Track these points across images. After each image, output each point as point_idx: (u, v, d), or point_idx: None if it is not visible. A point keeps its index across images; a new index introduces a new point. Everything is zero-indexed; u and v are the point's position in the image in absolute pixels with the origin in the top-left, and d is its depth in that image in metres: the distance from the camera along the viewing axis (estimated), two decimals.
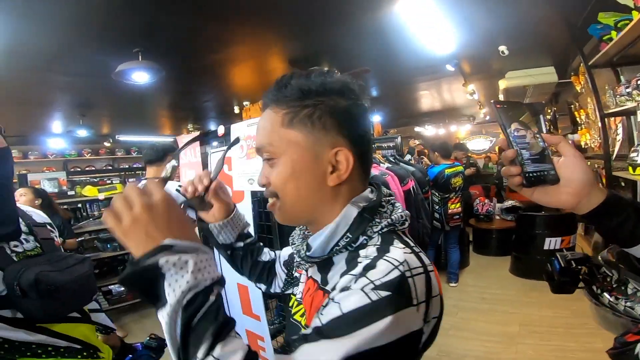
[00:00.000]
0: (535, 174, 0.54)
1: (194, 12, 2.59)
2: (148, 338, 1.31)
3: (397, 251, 0.51)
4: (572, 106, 4.74)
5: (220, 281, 0.47)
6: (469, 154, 7.32)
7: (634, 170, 2.11)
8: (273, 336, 1.87)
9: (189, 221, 0.51)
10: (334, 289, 0.50)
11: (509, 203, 4.89)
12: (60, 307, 0.95)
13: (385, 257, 0.49)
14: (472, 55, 4.08)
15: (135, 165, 7.15)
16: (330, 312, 0.46)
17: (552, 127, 6.67)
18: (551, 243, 3.73)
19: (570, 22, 3.05)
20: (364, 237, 0.55)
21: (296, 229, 0.71)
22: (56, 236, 1.12)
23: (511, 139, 0.55)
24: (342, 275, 0.52)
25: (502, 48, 3.68)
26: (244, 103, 5.75)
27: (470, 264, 4.33)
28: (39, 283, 0.86)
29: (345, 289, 0.47)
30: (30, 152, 6.66)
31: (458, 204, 3.71)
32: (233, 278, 2.00)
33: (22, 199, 2.82)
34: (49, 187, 3.42)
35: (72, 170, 6.23)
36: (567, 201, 0.55)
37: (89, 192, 3.45)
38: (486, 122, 9.51)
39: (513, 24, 3.19)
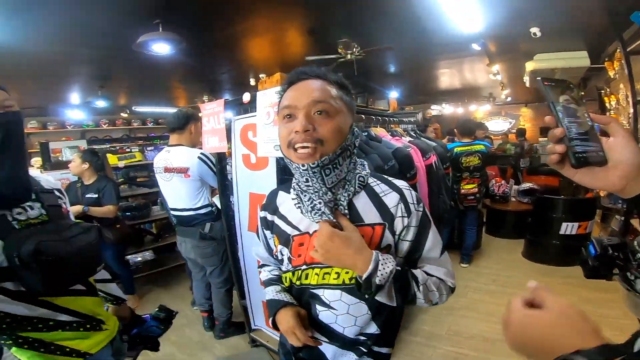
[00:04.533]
0: (584, 155, 0.51)
1: None
2: (157, 309, 1.28)
3: (396, 180, 0.87)
4: (603, 92, 4.56)
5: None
6: (489, 135, 7.11)
7: None
8: None
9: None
10: (386, 219, 0.81)
11: (526, 185, 4.78)
12: (62, 279, 0.90)
13: (400, 186, 0.85)
14: (501, 35, 3.95)
15: (151, 135, 7.30)
16: (410, 233, 0.82)
17: None
18: (567, 228, 3.62)
19: (610, 8, 2.90)
20: (365, 178, 0.84)
21: (286, 200, 0.91)
22: (64, 203, 1.06)
23: (560, 116, 0.53)
24: (379, 209, 0.82)
25: (535, 30, 3.55)
26: (260, 75, 5.72)
27: (482, 245, 4.30)
28: (39, 254, 0.80)
29: (406, 216, 0.81)
30: (49, 122, 6.76)
31: (473, 185, 3.63)
32: (253, 247, 2.05)
33: (71, 165, 2.77)
34: (70, 155, 3.47)
35: (91, 139, 6.35)
36: (614, 184, 0.52)
37: (110, 160, 3.50)
38: (507, 103, 9.23)
39: (547, 6, 3.06)
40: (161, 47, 3.18)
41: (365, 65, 4.79)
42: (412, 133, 2.57)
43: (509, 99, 8.49)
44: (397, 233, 0.81)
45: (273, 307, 0.88)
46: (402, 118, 2.77)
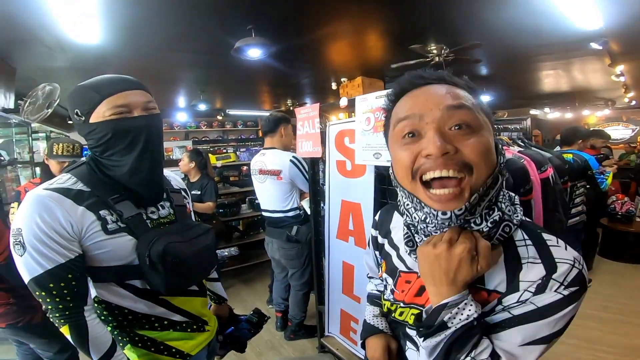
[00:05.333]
0: None
1: None
2: (251, 313, 1.30)
3: (561, 250, 0.56)
4: None
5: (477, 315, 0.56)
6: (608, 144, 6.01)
7: None
8: None
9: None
10: (508, 291, 0.57)
11: None
12: (183, 281, 0.92)
13: (559, 261, 0.54)
14: (629, 32, 3.36)
15: (241, 137, 7.97)
16: (521, 309, 0.55)
17: None
18: None
19: None
20: (512, 228, 0.59)
21: (401, 224, 0.72)
22: (189, 203, 1.10)
23: None
24: (509, 277, 0.57)
25: None
26: (342, 79, 5.75)
27: (593, 268, 3.74)
28: (166, 255, 0.82)
29: (533, 293, 0.54)
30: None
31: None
32: (339, 256, 1.99)
33: (181, 163, 3.07)
34: (179, 154, 3.91)
35: (193, 139, 7.15)
36: None
37: (210, 159, 3.86)
38: (630, 107, 7.77)
39: None
40: (254, 52, 3.37)
41: (453, 67, 4.48)
42: (519, 142, 2.27)
43: (633, 102, 7.15)
44: (506, 304, 0.56)
45: (367, 332, 0.85)
46: (506, 125, 2.47)
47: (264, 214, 2.49)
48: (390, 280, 0.77)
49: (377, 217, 0.88)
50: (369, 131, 1.50)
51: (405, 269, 0.74)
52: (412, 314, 0.70)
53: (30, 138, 3.56)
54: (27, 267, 0.75)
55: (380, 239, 0.84)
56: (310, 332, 2.58)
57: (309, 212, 2.28)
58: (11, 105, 3.29)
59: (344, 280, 2.02)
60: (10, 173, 3.33)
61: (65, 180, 0.83)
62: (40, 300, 0.77)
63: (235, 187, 4.05)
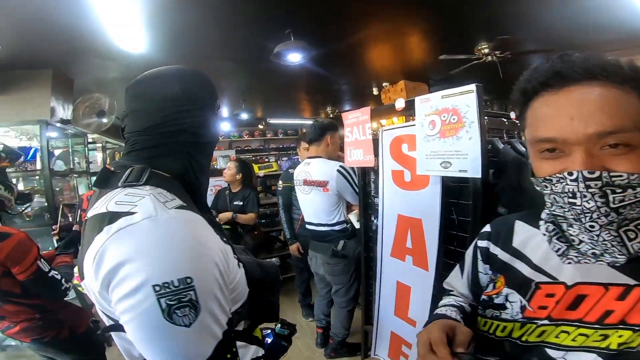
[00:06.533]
0: None
1: None
2: (279, 326, 1.16)
3: None
4: None
5: None
6: None
7: None
8: None
9: None
10: None
11: None
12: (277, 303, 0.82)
13: None
14: None
15: (282, 146, 8.05)
16: None
17: None
18: None
19: None
20: None
21: (528, 232, 0.67)
22: None
23: None
24: None
25: None
26: (383, 84, 5.54)
27: None
28: (277, 276, 0.75)
29: None
30: None
31: None
32: (393, 275, 1.80)
33: (227, 172, 2.98)
34: (223, 164, 3.92)
35: (236, 149, 7.31)
36: None
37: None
38: None
39: None
40: (294, 57, 3.30)
41: (505, 67, 4.15)
42: None
43: None
44: None
45: (431, 319, 0.71)
46: None
47: (308, 227, 2.35)
48: (516, 297, 0.65)
49: (488, 228, 0.77)
50: (434, 136, 1.30)
51: (544, 279, 0.62)
52: (565, 331, 0.58)
53: (86, 148, 3.74)
54: (203, 337, 0.49)
55: (494, 250, 0.72)
56: (353, 350, 2.43)
57: (356, 226, 2.11)
58: (69, 117, 3.46)
59: (397, 302, 1.84)
60: (70, 182, 3.53)
61: (168, 194, 0.56)
62: None
63: (276, 197, 3.98)
